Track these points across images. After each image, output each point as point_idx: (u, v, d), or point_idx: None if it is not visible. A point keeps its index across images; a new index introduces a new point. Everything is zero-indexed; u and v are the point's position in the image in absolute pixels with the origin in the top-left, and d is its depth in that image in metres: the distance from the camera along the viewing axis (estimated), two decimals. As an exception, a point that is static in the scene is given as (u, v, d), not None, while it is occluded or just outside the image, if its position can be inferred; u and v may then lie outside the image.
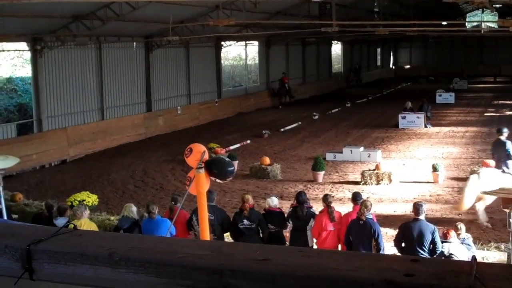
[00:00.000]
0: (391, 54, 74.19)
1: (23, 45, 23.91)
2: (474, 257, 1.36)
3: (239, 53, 42.42)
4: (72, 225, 1.81)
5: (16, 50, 24.66)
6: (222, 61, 38.31)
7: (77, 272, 1.57)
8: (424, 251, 10.14)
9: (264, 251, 1.40)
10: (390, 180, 18.97)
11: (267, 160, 20.95)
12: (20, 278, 1.66)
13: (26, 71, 25.08)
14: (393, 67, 73.98)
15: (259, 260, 1.34)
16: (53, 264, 1.61)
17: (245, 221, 11.64)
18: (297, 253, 1.36)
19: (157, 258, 1.45)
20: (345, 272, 1.24)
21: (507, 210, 10.65)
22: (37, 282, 1.66)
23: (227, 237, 11.96)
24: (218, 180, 8.12)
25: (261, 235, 11.78)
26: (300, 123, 32.87)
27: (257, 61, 43.18)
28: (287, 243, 11.77)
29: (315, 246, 11.67)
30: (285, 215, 12.14)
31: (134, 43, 29.46)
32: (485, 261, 10.32)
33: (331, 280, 1.22)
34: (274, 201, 12.32)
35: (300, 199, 11.94)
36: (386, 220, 14.78)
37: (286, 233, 12.25)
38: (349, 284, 1.21)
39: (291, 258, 1.34)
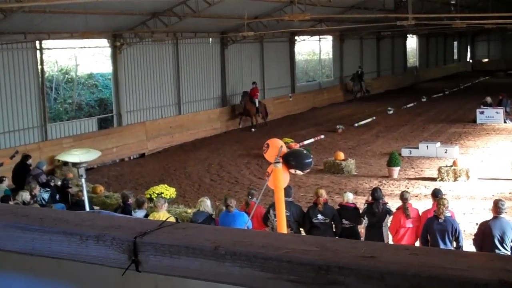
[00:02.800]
0: (468, 47, 72.24)
1: (103, 42, 24.63)
2: None
3: (313, 48, 42.24)
4: (175, 219, 1.87)
5: (97, 46, 25.38)
6: (296, 56, 38.26)
7: (182, 265, 1.60)
8: (505, 249, 9.86)
9: (370, 248, 1.40)
10: (468, 177, 18.53)
11: (341, 155, 20.83)
12: (127, 270, 1.71)
13: (106, 67, 25.79)
14: (470, 61, 72.02)
15: (365, 257, 1.35)
16: (159, 256, 1.64)
17: (319, 216, 11.62)
18: (404, 251, 1.36)
19: (262, 253, 1.47)
20: (457, 271, 1.23)
21: None
22: (142, 273, 1.70)
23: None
24: (298, 172, 8.17)
25: (334, 230, 11.74)
26: (374, 117, 32.47)
27: (331, 56, 42.90)
28: (362, 239, 11.67)
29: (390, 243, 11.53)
30: (360, 210, 12.05)
31: (210, 38, 29.82)
32: None
33: (443, 279, 1.22)
34: (349, 197, 12.26)
35: (376, 195, 11.82)
36: (464, 218, 14.44)
37: (361, 229, 12.17)
38: (461, 284, 1.20)
39: (398, 256, 1.34)
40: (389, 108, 35.00)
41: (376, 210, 11.59)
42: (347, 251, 1.40)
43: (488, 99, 31.16)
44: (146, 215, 11.44)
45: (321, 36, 40.66)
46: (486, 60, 70.77)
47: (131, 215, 11.53)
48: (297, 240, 1.50)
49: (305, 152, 8.65)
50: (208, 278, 1.58)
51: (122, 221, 1.89)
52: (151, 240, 1.68)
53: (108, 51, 24.77)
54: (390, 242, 11.48)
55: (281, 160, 7.85)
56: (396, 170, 19.48)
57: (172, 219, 11.24)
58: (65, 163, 18.97)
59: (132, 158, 24.38)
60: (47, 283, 2.05)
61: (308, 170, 8.82)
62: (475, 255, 1.33)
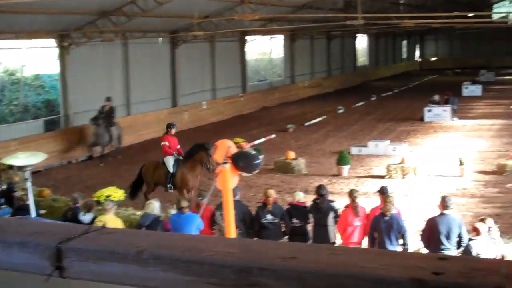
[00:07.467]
0: (417, 46, 73.63)
1: (50, 42, 24.15)
2: (502, 256, 1.35)
3: (264, 48, 42.37)
4: (101, 223, 1.83)
5: (44, 47, 24.87)
6: (247, 56, 38.28)
7: (106, 270, 1.58)
8: (451, 245, 10.04)
9: (294, 249, 1.40)
10: (416, 174, 18.84)
11: (291, 154, 20.93)
12: (50, 276, 1.67)
13: (54, 68, 25.31)
14: (419, 60, 73.42)
15: (286, 258, 1.35)
16: (83, 262, 1.62)
17: (268, 216, 11.63)
18: (325, 251, 1.36)
19: (185, 256, 1.46)
20: (372, 270, 1.24)
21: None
22: (67, 280, 1.67)
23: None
24: (244, 174, 8.18)
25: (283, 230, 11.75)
26: (325, 117, 32.77)
27: (282, 55, 43.11)
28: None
29: (339, 241, 11.62)
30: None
31: (160, 38, 29.57)
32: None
33: (358, 278, 1.23)
34: (300, 196, 12.32)
35: (322, 192, 11.89)
36: (412, 215, 14.64)
37: (310, 228, 12.22)
38: (375, 282, 1.21)
39: (318, 256, 1.34)
40: (339, 107, 35.36)
41: (322, 206, 11.65)
42: (270, 252, 1.40)
43: (436, 97, 31.82)
44: (94, 218, 11.28)
45: (272, 36, 40.79)
46: (434, 58, 72.23)
47: (79, 218, 11.35)
48: (222, 243, 1.49)
49: (253, 153, 8.64)
50: (133, 283, 1.57)
51: (48, 227, 1.86)
52: (76, 245, 1.65)
53: (55, 51, 24.30)
54: (338, 240, 11.59)
55: (229, 161, 7.83)
56: (345, 169, 19.68)
57: (119, 222, 11.12)
58: (11, 167, 18.55)
59: (79, 160, 23.97)
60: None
61: (256, 171, 8.84)
62: (392, 254, 1.34)
